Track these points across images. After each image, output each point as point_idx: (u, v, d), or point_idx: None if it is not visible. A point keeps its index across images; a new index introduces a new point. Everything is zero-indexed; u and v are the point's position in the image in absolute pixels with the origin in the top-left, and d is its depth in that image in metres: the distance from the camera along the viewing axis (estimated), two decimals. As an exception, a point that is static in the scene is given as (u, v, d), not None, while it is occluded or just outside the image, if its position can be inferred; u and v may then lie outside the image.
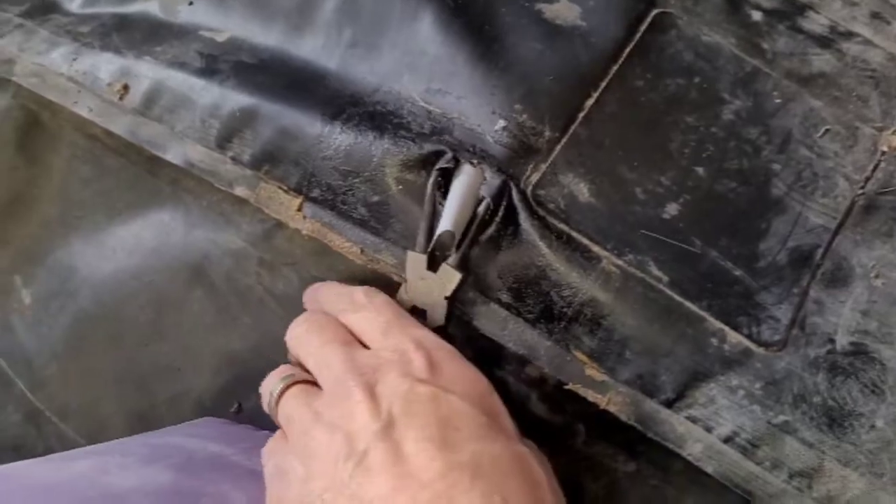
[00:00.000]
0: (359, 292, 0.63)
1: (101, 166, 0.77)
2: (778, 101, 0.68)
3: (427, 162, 0.65)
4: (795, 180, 0.66)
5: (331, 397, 0.57)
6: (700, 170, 0.66)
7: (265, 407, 0.63)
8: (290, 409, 0.59)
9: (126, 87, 0.72)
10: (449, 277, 0.63)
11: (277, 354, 0.73)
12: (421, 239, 0.63)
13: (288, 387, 0.60)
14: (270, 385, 0.62)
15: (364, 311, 0.62)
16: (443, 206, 0.64)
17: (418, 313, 0.64)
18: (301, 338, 0.63)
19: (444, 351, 0.59)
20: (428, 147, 0.65)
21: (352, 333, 0.62)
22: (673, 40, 0.69)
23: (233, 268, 0.75)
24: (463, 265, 0.63)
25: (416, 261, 0.63)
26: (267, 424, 0.72)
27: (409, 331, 0.59)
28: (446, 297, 0.63)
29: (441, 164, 0.64)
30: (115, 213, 0.77)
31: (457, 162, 0.65)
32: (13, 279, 0.78)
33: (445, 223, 0.62)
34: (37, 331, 0.77)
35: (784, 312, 0.64)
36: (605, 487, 0.67)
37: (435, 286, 0.63)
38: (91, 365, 0.76)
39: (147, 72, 0.72)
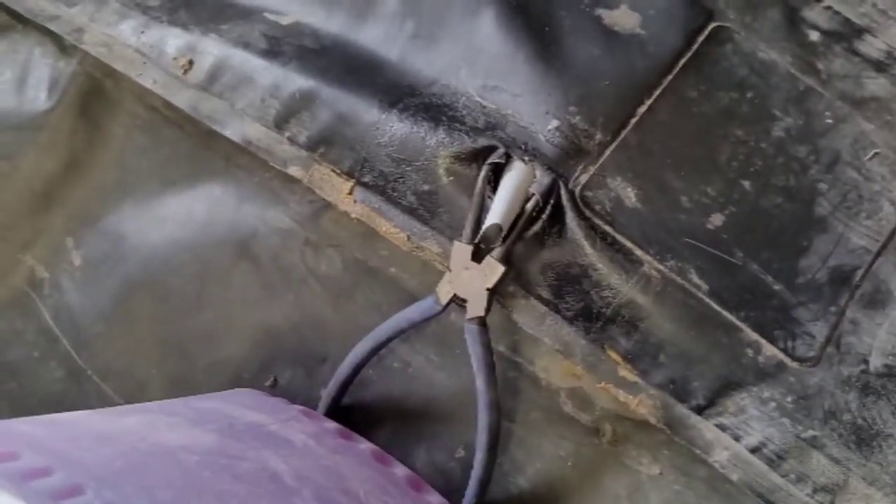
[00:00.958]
0: None
1: (158, 137, 0.79)
2: (829, 121, 0.69)
3: (479, 156, 0.66)
4: (841, 201, 0.67)
5: None
6: (747, 183, 0.67)
7: None
8: None
9: (191, 63, 0.73)
10: (492, 269, 0.64)
11: (315, 333, 0.75)
12: (467, 230, 0.65)
13: None
14: None
15: None
16: (492, 199, 0.65)
17: (459, 302, 0.65)
18: None
19: None
20: (481, 141, 0.66)
21: None
22: (728, 54, 0.70)
23: (279, 245, 0.76)
24: (507, 259, 0.64)
25: (461, 251, 0.64)
26: (300, 399, 0.74)
27: None
28: (488, 289, 0.64)
29: (493, 158, 0.65)
30: (169, 183, 0.79)
31: (508, 158, 0.66)
32: (65, 240, 0.80)
33: (494, 217, 0.63)
34: (85, 292, 0.79)
35: (820, 329, 0.65)
36: (626, 487, 0.68)
37: (478, 277, 0.64)
38: (135, 329, 0.78)
39: (212, 49, 0.73)
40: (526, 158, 0.66)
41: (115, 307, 0.78)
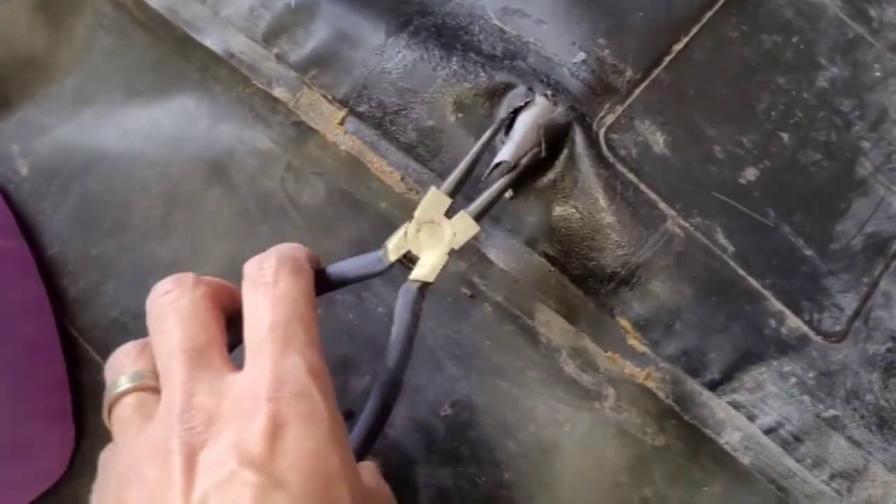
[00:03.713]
0: (271, 265, 0.52)
1: (126, 39, 0.70)
2: (878, 74, 0.63)
3: (495, 93, 0.59)
4: (884, 162, 0.61)
5: (153, 447, 0.45)
6: (785, 136, 0.61)
7: (105, 395, 0.50)
8: (119, 427, 0.48)
9: (170, -42, 0.65)
10: (465, 228, 0.53)
11: (292, 269, 0.68)
12: (453, 177, 0.54)
13: (129, 392, 0.49)
14: (114, 375, 0.50)
15: (259, 292, 0.50)
16: (503, 144, 0.58)
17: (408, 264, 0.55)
18: (162, 315, 0.50)
19: (301, 406, 0.45)
20: (499, 77, 0.59)
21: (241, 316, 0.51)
22: (775, -8, 0.63)
23: (257, 169, 0.69)
24: (479, 216, 0.54)
25: (436, 201, 0.54)
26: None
27: (283, 355, 0.47)
28: (450, 252, 0.53)
29: (516, 102, 0.58)
30: (135, 92, 0.71)
31: (529, 98, 0.59)
32: (10, 147, 0.72)
33: (504, 155, 0.56)
34: (37, 208, 0.71)
35: (849, 302, 0.60)
36: (628, 459, 0.63)
37: (444, 235, 0.54)
38: (92, 252, 0.70)
39: (196, -57, 0.65)
40: (549, 93, 0.58)
41: (73, 228, 0.70)
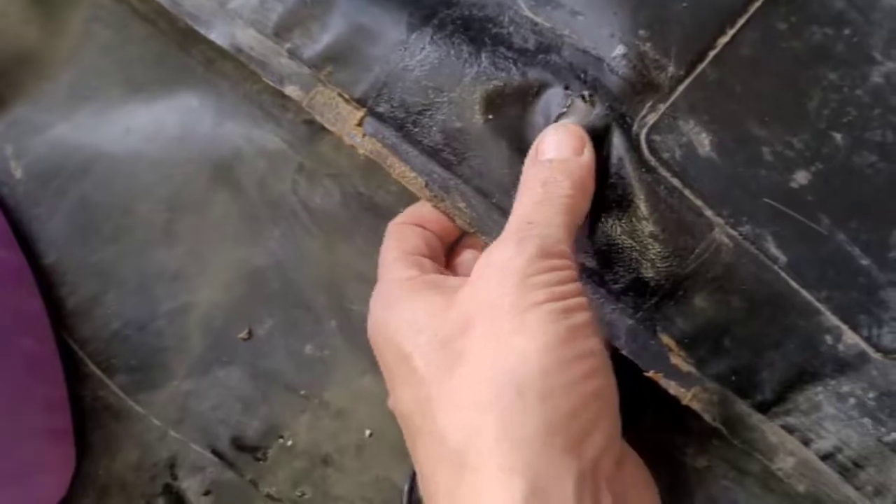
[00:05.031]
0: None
1: (124, 33, 0.66)
2: (937, 68, 0.58)
3: (528, 92, 0.54)
4: (944, 164, 0.57)
5: None
6: (838, 136, 0.56)
7: None
8: None
9: (174, -55, 0.60)
10: None
11: (303, 277, 0.65)
12: None
13: None
14: None
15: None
16: None
17: None
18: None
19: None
20: (532, 75, 0.54)
21: None
22: (826, -20, 0.58)
23: (266, 171, 0.65)
24: None
25: None
26: (280, 355, 0.64)
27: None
28: None
29: (555, 110, 0.53)
30: (136, 89, 0.67)
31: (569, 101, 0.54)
32: (3, 148, 0.68)
33: None
34: (32, 213, 0.67)
35: (910, 316, 0.55)
36: (668, 481, 0.59)
37: None
38: (92, 260, 0.67)
39: (200, -71, 0.60)
40: (586, 94, 0.54)
41: (71, 234, 0.67)
